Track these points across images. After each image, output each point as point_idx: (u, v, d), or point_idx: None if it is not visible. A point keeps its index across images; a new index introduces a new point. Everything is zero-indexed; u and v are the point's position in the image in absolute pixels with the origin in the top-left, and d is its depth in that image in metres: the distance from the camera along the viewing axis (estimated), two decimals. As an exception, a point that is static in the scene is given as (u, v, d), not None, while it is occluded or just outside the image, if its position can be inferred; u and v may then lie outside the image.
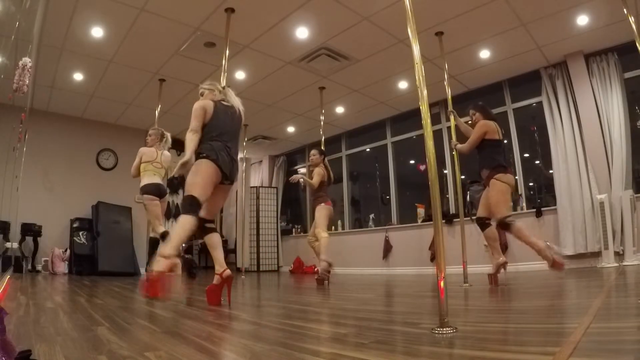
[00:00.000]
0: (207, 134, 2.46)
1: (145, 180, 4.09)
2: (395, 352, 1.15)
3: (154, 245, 4.23)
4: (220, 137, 2.47)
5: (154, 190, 4.11)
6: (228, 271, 2.42)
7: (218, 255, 2.48)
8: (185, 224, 2.29)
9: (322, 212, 4.28)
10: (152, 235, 4.26)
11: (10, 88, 2.90)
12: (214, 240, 2.51)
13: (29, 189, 5.85)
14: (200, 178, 2.37)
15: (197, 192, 2.34)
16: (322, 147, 4.96)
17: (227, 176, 2.47)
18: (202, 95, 2.68)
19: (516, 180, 5.42)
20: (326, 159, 4.57)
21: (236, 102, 2.68)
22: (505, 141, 5.61)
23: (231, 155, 2.50)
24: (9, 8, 3.28)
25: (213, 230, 2.55)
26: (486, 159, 3.27)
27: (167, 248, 2.26)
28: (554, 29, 4.32)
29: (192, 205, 2.32)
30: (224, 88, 2.75)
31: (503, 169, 3.19)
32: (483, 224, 3.32)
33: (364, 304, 2.51)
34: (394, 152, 6.95)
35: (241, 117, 2.70)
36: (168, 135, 4.36)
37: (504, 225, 3.17)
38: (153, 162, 4.15)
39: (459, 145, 3.49)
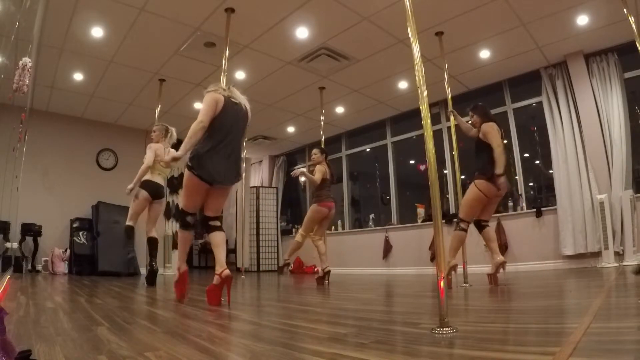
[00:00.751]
0: (209, 131, 2.45)
1: (148, 176, 4.08)
2: (395, 352, 1.15)
3: (152, 244, 4.22)
4: (219, 137, 2.45)
5: (153, 190, 4.09)
6: (227, 271, 2.41)
7: (219, 254, 2.48)
8: (181, 239, 2.71)
9: (308, 213, 4.35)
10: (150, 235, 4.25)
11: (10, 88, 2.90)
12: (216, 239, 2.51)
13: (29, 189, 5.85)
14: (185, 191, 2.57)
15: (183, 204, 2.64)
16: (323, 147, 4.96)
17: (217, 182, 2.48)
18: None
19: (516, 180, 5.43)
20: (327, 158, 4.58)
21: (242, 99, 2.66)
22: (505, 141, 5.60)
23: (224, 158, 2.46)
24: (9, 8, 3.28)
25: (217, 228, 2.55)
26: (482, 163, 3.21)
27: (177, 261, 2.77)
28: (554, 29, 4.32)
29: (183, 220, 2.65)
30: (228, 88, 2.73)
31: (489, 177, 3.14)
32: (480, 225, 3.32)
33: (364, 304, 2.51)
34: (394, 152, 6.95)
35: (248, 114, 2.67)
36: (173, 130, 4.29)
37: (456, 224, 3.27)
38: (161, 161, 4.13)
39: (499, 165, 3.11)
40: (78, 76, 5.18)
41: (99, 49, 4.51)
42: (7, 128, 4.88)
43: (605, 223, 4.28)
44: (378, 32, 4.32)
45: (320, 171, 4.30)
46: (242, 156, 5.71)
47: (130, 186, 4.04)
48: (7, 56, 3.53)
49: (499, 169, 3.10)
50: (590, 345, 1.06)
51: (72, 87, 5.47)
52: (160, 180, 4.18)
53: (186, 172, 2.47)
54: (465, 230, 3.25)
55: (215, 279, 2.42)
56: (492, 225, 3.38)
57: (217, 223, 2.57)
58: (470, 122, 3.49)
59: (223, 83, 3.48)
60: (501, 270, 3.29)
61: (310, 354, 1.11)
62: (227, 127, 2.49)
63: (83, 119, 6.64)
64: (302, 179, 4.45)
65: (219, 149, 2.44)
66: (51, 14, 3.83)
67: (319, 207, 4.27)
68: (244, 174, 2.66)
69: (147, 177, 4.08)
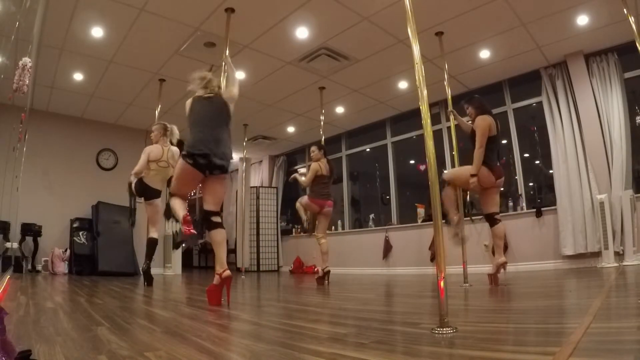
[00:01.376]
0: (189, 127, 2.61)
1: (145, 179, 4.11)
2: (395, 352, 1.15)
3: (147, 244, 4.23)
4: (197, 131, 2.55)
5: (138, 189, 4.12)
6: (227, 272, 2.41)
7: (220, 254, 2.47)
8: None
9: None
10: (149, 236, 4.26)
11: (10, 88, 2.90)
12: (217, 238, 2.50)
13: (29, 189, 5.85)
14: (176, 178, 2.62)
15: (173, 189, 2.65)
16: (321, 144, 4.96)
17: (207, 171, 2.51)
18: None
19: (516, 180, 5.43)
20: (326, 154, 4.60)
21: (215, 84, 2.72)
22: (505, 141, 5.62)
23: (210, 145, 2.49)
24: (9, 8, 3.28)
25: (218, 225, 2.53)
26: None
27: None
28: (554, 29, 4.32)
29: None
30: (209, 79, 2.74)
31: (489, 167, 3.18)
32: (493, 219, 3.31)
33: (364, 304, 2.51)
34: (394, 152, 6.95)
35: (225, 103, 2.67)
36: (173, 127, 4.32)
37: (443, 183, 3.32)
38: (159, 161, 4.13)
39: (475, 159, 3.20)
40: (78, 76, 5.18)
41: (99, 49, 4.51)
42: (7, 128, 4.88)
43: (605, 223, 4.28)
44: (378, 32, 4.32)
45: (312, 169, 4.37)
46: (241, 157, 5.69)
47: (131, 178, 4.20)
48: (7, 56, 3.53)
49: (475, 169, 3.16)
50: (590, 345, 1.06)
51: (72, 87, 5.46)
52: (155, 181, 4.17)
53: (180, 162, 2.55)
54: (452, 187, 3.34)
55: (216, 279, 2.42)
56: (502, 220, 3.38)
57: (219, 219, 2.55)
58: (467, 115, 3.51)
59: (223, 82, 3.42)
60: (502, 270, 3.29)
61: (310, 354, 1.11)
62: (201, 122, 2.58)
63: (83, 119, 6.63)
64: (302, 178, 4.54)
65: (201, 140, 2.51)
66: (51, 14, 3.83)
67: (309, 202, 4.41)
68: (231, 160, 2.64)
69: (147, 178, 4.11)
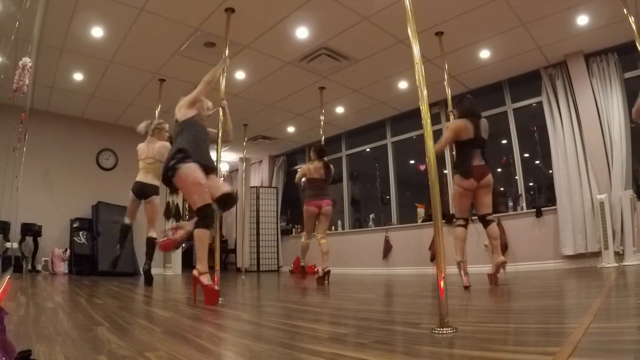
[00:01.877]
0: None
1: (137, 177, 4.14)
2: (395, 352, 1.15)
3: (147, 244, 4.22)
4: None
5: (136, 190, 4.11)
6: (194, 271, 2.52)
7: (196, 251, 2.57)
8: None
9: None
10: (147, 235, 4.25)
11: (10, 88, 2.90)
12: (195, 236, 2.58)
13: (29, 189, 5.85)
14: None
15: None
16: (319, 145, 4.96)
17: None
18: None
19: (516, 180, 5.43)
20: (324, 156, 4.60)
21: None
22: (505, 141, 5.62)
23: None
24: (9, 8, 3.28)
25: (195, 225, 2.58)
26: (457, 160, 3.25)
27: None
28: (554, 29, 4.32)
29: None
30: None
31: (463, 173, 3.16)
32: (485, 221, 3.30)
33: (364, 304, 2.51)
34: (394, 152, 6.95)
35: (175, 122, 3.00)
36: (163, 125, 4.36)
37: (450, 221, 3.32)
38: (145, 158, 4.15)
39: (431, 147, 3.30)
40: (78, 76, 5.18)
41: (99, 49, 4.51)
42: (7, 128, 4.88)
43: (605, 223, 4.28)
44: (378, 32, 4.32)
45: (301, 170, 4.50)
46: (241, 157, 5.72)
47: None
48: (7, 56, 3.53)
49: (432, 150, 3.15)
50: (590, 345, 1.06)
51: (72, 87, 5.46)
52: (148, 178, 4.13)
53: None
54: (463, 226, 3.29)
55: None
56: (496, 222, 3.37)
57: (195, 218, 2.61)
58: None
59: (223, 83, 3.55)
60: (501, 270, 3.29)
61: (310, 354, 1.11)
62: None
63: (83, 119, 6.63)
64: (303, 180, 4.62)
65: None
66: (51, 14, 3.83)
67: (306, 207, 4.49)
68: (171, 168, 2.67)
69: (138, 176, 4.13)
